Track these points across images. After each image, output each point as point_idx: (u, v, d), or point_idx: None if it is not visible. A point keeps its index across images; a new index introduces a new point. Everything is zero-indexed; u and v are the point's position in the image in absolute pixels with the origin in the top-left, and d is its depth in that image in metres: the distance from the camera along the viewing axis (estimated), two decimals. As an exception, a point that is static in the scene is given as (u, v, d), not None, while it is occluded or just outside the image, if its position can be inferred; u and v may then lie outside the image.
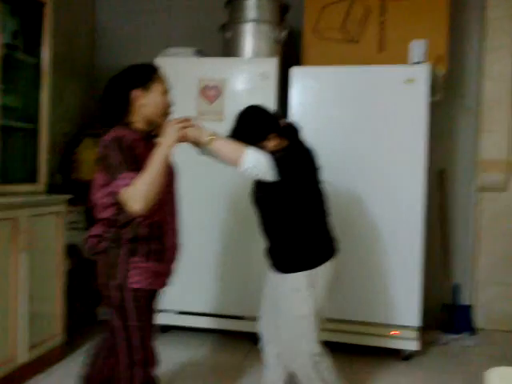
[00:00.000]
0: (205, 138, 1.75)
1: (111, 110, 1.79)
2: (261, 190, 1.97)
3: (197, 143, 1.80)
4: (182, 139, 1.73)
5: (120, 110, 1.77)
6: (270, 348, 2.15)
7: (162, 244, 1.77)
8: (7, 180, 2.52)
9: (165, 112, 1.80)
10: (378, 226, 2.87)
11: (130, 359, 1.74)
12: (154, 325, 1.90)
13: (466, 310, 3.45)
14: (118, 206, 1.68)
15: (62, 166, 3.54)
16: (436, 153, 3.38)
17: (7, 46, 2.45)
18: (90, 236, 1.79)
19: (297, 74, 2.98)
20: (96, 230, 1.78)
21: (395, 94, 2.84)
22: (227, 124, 2.97)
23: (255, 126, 1.93)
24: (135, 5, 3.99)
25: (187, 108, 3.07)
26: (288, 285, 1.94)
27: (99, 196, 1.74)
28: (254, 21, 3.22)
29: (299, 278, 1.91)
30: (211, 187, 3.08)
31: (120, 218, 1.71)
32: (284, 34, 3.26)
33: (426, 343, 3.18)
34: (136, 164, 1.63)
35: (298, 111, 2.97)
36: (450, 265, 3.52)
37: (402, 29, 3.18)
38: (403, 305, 2.84)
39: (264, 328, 2.17)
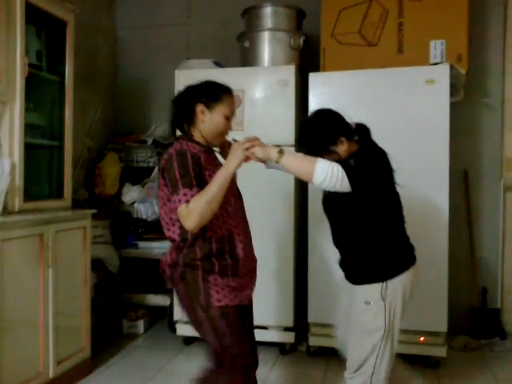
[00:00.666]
0: (273, 156, 1.71)
1: (177, 116, 1.83)
2: (333, 198, 1.85)
3: (263, 161, 1.79)
4: (248, 159, 1.71)
5: (183, 118, 1.81)
6: None
7: (234, 257, 1.74)
8: (33, 196, 2.57)
9: (221, 135, 1.82)
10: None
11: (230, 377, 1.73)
12: (254, 343, 1.90)
13: (495, 313, 3.37)
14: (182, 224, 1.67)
15: (87, 180, 3.60)
16: (460, 153, 3.31)
17: (31, 65, 2.50)
18: (166, 265, 1.78)
19: (315, 79, 2.97)
20: (169, 257, 1.77)
21: (416, 95, 2.81)
22: (248, 133, 3.04)
23: (324, 130, 1.83)
24: (154, 18, 4.04)
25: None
26: (359, 297, 1.84)
27: (165, 210, 1.74)
28: (270, 29, 3.23)
29: (371, 290, 1.81)
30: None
31: (186, 236, 1.69)
32: (301, 40, 3.26)
33: (455, 349, 3.12)
34: (197, 179, 1.63)
35: (317, 118, 2.95)
36: (477, 268, 3.44)
37: (420, 29, 3.14)
38: (430, 310, 2.79)
39: (342, 338, 2.04)
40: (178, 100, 1.84)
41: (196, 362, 2.96)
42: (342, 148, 1.81)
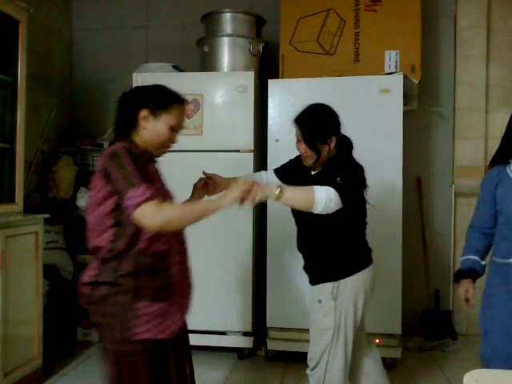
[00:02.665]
0: (274, 195, 1.70)
1: (119, 118, 1.65)
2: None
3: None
4: (242, 201, 1.62)
5: (125, 122, 1.62)
6: None
7: (167, 278, 1.55)
8: (-17, 201, 2.48)
9: (163, 147, 1.66)
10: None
11: None
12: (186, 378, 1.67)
13: (447, 315, 3.49)
14: (118, 230, 1.49)
15: (40, 185, 3.49)
16: (413, 161, 3.43)
17: (-20, 65, 2.41)
18: (82, 284, 1.56)
19: (274, 86, 3.01)
20: (88, 273, 1.55)
21: (371, 103, 2.88)
22: (206, 138, 3.04)
23: (327, 122, 1.91)
24: (112, 21, 3.98)
25: (165, 123, 3.06)
26: (314, 296, 1.94)
27: (95, 216, 1.53)
28: (230, 35, 3.24)
29: (323, 289, 1.90)
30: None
31: (118, 244, 1.49)
32: (261, 46, 3.29)
33: (409, 350, 3.21)
34: (147, 178, 1.49)
35: (275, 123, 2.99)
36: (430, 271, 3.56)
37: (376, 40, 3.23)
38: (385, 313, 2.86)
39: None
40: (122, 101, 1.65)
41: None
42: (330, 146, 1.90)
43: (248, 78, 3.04)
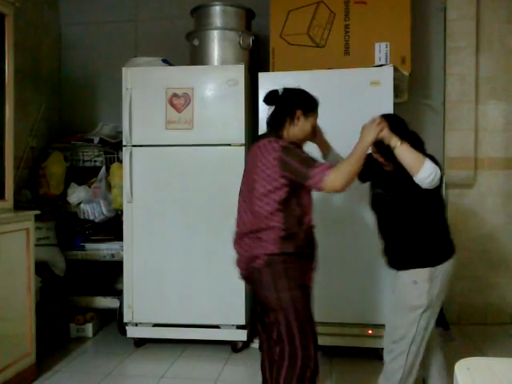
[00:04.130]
0: (394, 142, 1.93)
1: (279, 114, 2.00)
2: (391, 194, 2.09)
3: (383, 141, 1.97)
4: (378, 138, 1.94)
5: (282, 118, 1.98)
6: None
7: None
8: (-28, 198, 2.45)
9: (304, 141, 2.04)
10: (350, 226, 2.91)
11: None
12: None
13: (440, 305, 3.52)
14: (286, 214, 1.89)
15: (30, 181, 3.46)
16: (404, 153, 3.44)
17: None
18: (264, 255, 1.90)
19: (264, 79, 3.00)
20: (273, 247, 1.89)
21: (361, 96, 2.89)
22: (197, 132, 3.03)
23: (407, 131, 2.10)
24: (100, 15, 3.95)
25: (156, 117, 3.05)
26: (409, 277, 2.07)
27: (263, 204, 1.88)
28: (220, 28, 3.22)
29: (421, 273, 2.04)
30: (186, 200, 3.07)
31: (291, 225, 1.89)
32: (251, 40, 3.27)
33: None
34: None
35: (266, 116, 2.97)
36: (422, 262, 3.58)
37: (366, 32, 3.23)
38: (378, 304, 2.88)
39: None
40: (281, 100, 2.01)
41: (147, 364, 2.94)
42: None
43: (238, 72, 3.03)
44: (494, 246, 3.61)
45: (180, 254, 3.08)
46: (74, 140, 3.62)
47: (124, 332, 3.16)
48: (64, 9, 4.00)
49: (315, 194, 2.06)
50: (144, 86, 3.08)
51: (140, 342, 3.19)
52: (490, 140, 3.60)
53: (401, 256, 2.14)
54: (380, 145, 2.02)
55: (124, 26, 3.93)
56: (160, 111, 3.05)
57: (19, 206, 2.87)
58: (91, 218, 3.39)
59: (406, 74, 3.13)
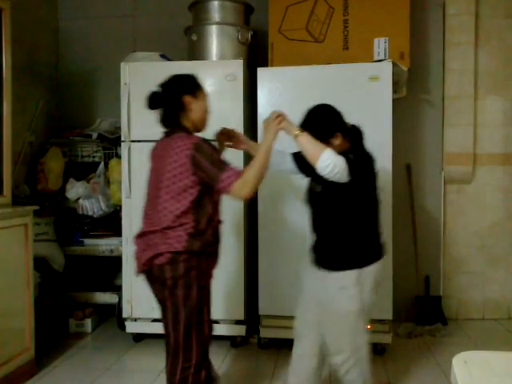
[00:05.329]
0: (294, 132, 1.91)
1: (167, 113, 1.96)
2: (323, 186, 2.00)
3: (284, 131, 1.95)
4: (280, 130, 1.93)
5: (174, 113, 1.94)
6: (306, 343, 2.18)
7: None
8: (-30, 193, 2.45)
9: (206, 118, 2.02)
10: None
11: None
12: None
13: (438, 301, 3.53)
14: (198, 212, 1.86)
15: (29, 176, 3.46)
16: (403, 148, 3.45)
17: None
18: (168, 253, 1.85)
19: (263, 74, 2.99)
20: (178, 245, 1.84)
21: (360, 91, 2.88)
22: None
23: (324, 122, 2.02)
24: (98, 10, 3.93)
25: (154, 113, 3.04)
26: (337, 282, 1.99)
27: (174, 203, 1.83)
28: (218, 23, 3.21)
29: (348, 276, 1.97)
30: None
31: (201, 223, 1.86)
32: (249, 35, 3.26)
33: (400, 335, 3.24)
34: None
35: (265, 111, 2.96)
36: (420, 257, 3.59)
37: (364, 27, 3.22)
38: (376, 299, 2.86)
39: (303, 327, 2.20)
40: (161, 99, 1.95)
41: (146, 359, 2.95)
42: (337, 142, 1.99)
43: (237, 67, 3.02)
44: (493, 242, 3.61)
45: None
46: (72, 135, 3.61)
47: (123, 327, 3.17)
48: (62, 3, 3.98)
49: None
50: (142, 81, 3.06)
51: (139, 337, 3.20)
52: (488, 135, 3.60)
53: (330, 256, 2.05)
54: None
55: (122, 21, 3.91)
56: (158, 106, 3.04)
57: (18, 201, 2.86)
58: (90, 213, 3.39)
59: (405, 69, 3.13)
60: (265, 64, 3.24)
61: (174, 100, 1.94)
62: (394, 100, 2.89)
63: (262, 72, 3.00)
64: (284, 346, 3.02)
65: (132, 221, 3.08)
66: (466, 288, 3.63)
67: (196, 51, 3.27)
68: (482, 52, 3.57)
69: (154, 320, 3.11)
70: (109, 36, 3.90)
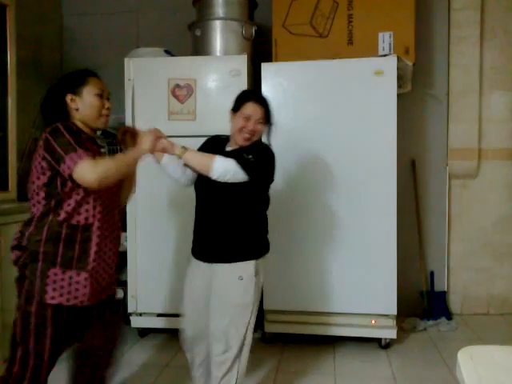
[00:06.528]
0: (178, 151, 1.88)
1: (52, 115, 1.78)
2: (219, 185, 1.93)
3: (165, 153, 1.93)
4: (155, 149, 1.86)
5: (59, 115, 1.77)
6: (200, 348, 2.08)
7: (85, 250, 1.69)
8: (-24, 189, 2.46)
9: (100, 114, 1.79)
10: (353, 216, 2.90)
11: None
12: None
13: (442, 296, 3.53)
14: (46, 202, 1.68)
15: (33, 172, 3.46)
16: (408, 143, 3.44)
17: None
18: (12, 247, 1.75)
19: (267, 70, 2.99)
20: (16, 236, 1.75)
21: (365, 86, 2.87)
22: (199, 123, 3.03)
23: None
24: (102, 6, 3.93)
25: (158, 108, 3.05)
26: (235, 272, 1.95)
27: (33, 190, 1.71)
28: (222, 18, 3.21)
29: (247, 266, 1.96)
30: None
31: (35, 213, 1.69)
32: (253, 30, 3.26)
33: (405, 330, 3.24)
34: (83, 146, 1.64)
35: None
36: (425, 252, 3.58)
37: (369, 21, 3.20)
38: (380, 294, 2.88)
39: (193, 327, 2.07)
40: (45, 101, 1.82)
41: (151, 354, 2.96)
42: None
43: (241, 62, 3.01)
44: (498, 237, 3.60)
45: (183, 244, 3.08)
46: (76, 131, 3.61)
47: (128, 322, 3.18)
48: (66, 0, 3.98)
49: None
50: (146, 77, 3.07)
51: (144, 332, 3.21)
52: (493, 131, 3.58)
53: (223, 247, 1.98)
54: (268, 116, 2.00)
55: (126, 17, 3.91)
56: (162, 102, 3.04)
57: (23, 197, 2.87)
58: (95, 209, 3.39)
59: (410, 64, 3.11)
60: (269, 59, 3.23)
61: (56, 101, 1.79)
62: (398, 95, 2.88)
63: (266, 67, 2.99)
64: (288, 341, 3.04)
65: (137, 216, 3.09)
66: (470, 283, 3.62)
67: (200, 47, 3.26)
68: (487, 47, 3.55)
69: (159, 315, 3.13)
70: (113, 32, 3.90)
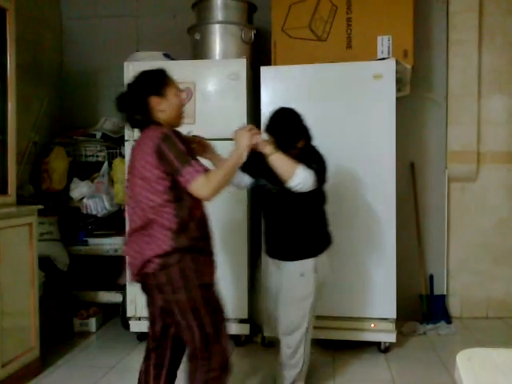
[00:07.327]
0: (269, 150, 1.99)
1: (138, 118, 1.85)
2: (281, 188, 2.09)
3: (256, 149, 2.00)
4: (252, 146, 1.94)
5: (142, 116, 1.83)
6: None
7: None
8: (-25, 193, 2.46)
9: (180, 113, 1.90)
10: (352, 219, 2.90)
11: None
12: None
13: (442, 299, 3.52)
14: (177, 205, 1.75)
15: (33, 176, 3.47)
16: (407, 146, 3.45)
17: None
18: (155, 256, 1.75)
19: (266, 73, 2.99)
20: (163, 246, 1.75)
21: (364, 89, 2.88)
22: (199, 127, 3.02)
23: (292, 129, 2.14)
24: (102, 9, 3.94)
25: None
26: (297, 270, 2.18)
27: (148, 195, 1.75)
28: (221, 22, 3.21)
29: (307, 264, 2.18)
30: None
31: (183, 218, 1.75)
32: (252, 33, 3.26)
33: (404, 334, 3.24)
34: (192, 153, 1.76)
35: (268, 110, 2.94)
36: (424, 256, 3.58)
37: (368, 25, 3.21)
38: (380, 298, 2.88)
39: (270, 309, 2.40)
40: (127, 101, 1.85)
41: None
42: (300, 145, 2.15)
43: (240, 66, 3.02)
44: (497, 240, 3.60)
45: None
46: (76, 135, 3.62)
47: (127, 326, 3.17)
48: (65, 3, 3.99)
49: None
50: (146, 81, 3.07)
51: (143, 336, 3.20)
52: (492, 134, 3.59)
53: (287, 247, 2.23)
54: (279, 143, 2.07)
55: (126, 21, 3.92)
56: (162, 106, 3.04)
57: (22, 201, 2.87)
58: (94, 212, 3.40)
59: (409, 67, 3.12)
60: (268, 63, 3.24)
61: (140, 103, 1.82)
62: (397, 98, 2.88)
63: (265, 71, 3.00)
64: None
65: (136, 220, 3.09)
66: (470, 286, 3.62)
67: (199, 50, 3.27)
68: (485, 49, 3.56)
69: (158, 319, 3.12)
70: (112, 36, 3.91)
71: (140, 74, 1.86)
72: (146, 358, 1.99)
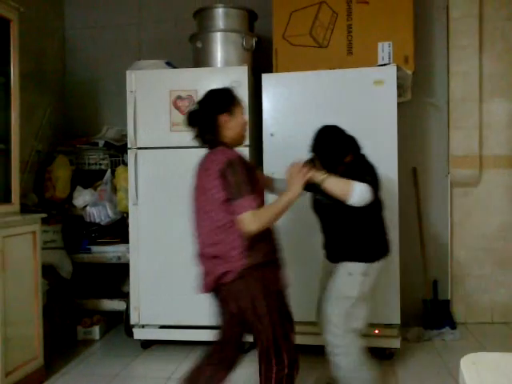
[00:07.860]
0: (319, 178, 2.03)
1: (204, 133, 1.93)
2: (330, 199, 2.11)
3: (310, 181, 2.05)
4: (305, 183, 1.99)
5: (211, 133, 1.91)
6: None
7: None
8: (-21, 202, 2.47)
9: (244, 132, 1.98)
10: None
11: None
12: None
13: (446, 304, 3.51)
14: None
15: (36, 185, 3.49)
16: (408, 151, 3.45)
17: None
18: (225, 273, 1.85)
19: (268, 80, 3.01)
20: (236, 263, 1.83)
21: (365, 96, 2.89)
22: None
23: (339, 146, 2.19)
24: (104, 18, 3.98)
25: (160, 120, 3.07)
26: (346, 269, 2.21)
27: (216, 213, 1.84)
28: (223, 30, 3.24)
29: (357, 266, 2.20)
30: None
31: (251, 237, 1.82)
32: (254, 41, 3.28)
33: (409, 340, 3.22)
34: (253, 187, 1.82)
35: (270, 117, 2.99)
36: (427, 261, 3.57)
37: (368, 32, 3.23)
38: (383, 304, 2.87)
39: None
40: (198, 118, 1.93)
41: (154, 366, 2.95)
42: (348, 159, 2.19)
43: (242, 73, 3.04)
44: (500, 245, 3.59)
45: (186, 256, 3.08)
46: (79, 143, 3.64)
47: (131, 334, 3.17)
48: (68, 13, 4.03)
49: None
50: (148, 89, 3.09)
51: (147, 344, 3.20)
52: (494, 138, 3.59)
53: (339, 250, 2.28)
54: (325, 162, 2.14)
55: (127, 30, 3.95)
56: (164, 113, 3.06)
57: (26, 209, 2.89)
58: (97, 220, 3.41)
59: (410, 72, 3.13)
60: (269, 70, 3.26)
61: (210, 120, 1.91)
62: (398, 104, 2.89)
63: (266, 78, 3.01)
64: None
65: (139, 227, 3.10)
66: (474, 291, 3.61)
67: (201, 58, 3.29)
68: (486, 54, 3.57)
69: (162, 327, 3.12)
70: (114, 44, 3.94)
71: (210, 92, 1.97)
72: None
